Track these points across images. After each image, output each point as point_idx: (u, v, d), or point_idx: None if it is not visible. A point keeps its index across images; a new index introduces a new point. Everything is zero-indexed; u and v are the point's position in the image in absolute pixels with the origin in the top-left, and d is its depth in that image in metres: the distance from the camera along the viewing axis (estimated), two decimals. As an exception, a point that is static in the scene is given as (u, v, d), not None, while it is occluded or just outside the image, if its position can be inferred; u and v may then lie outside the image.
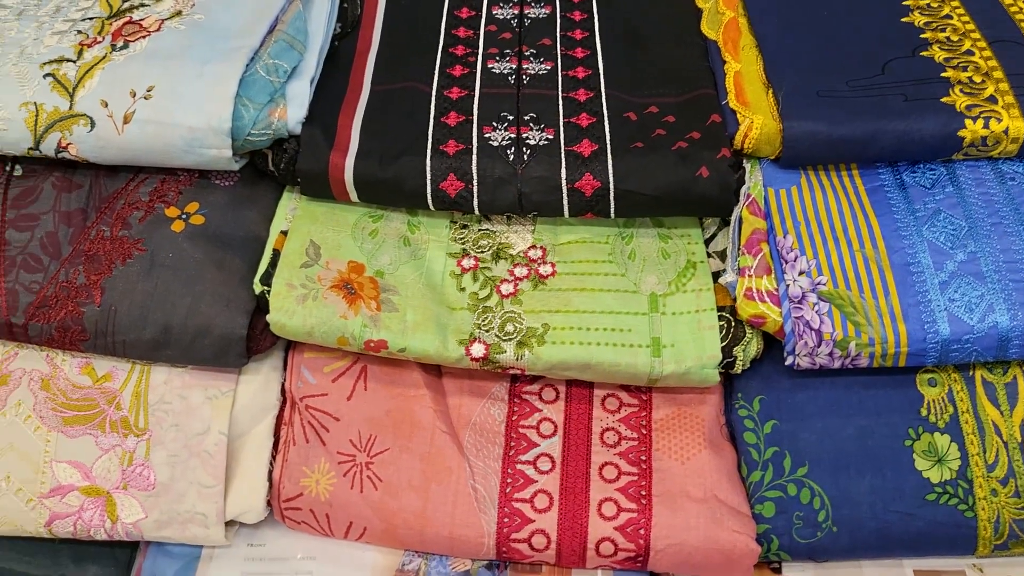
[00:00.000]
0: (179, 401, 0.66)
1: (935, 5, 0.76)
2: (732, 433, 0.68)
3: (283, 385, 0.68)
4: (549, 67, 0.75)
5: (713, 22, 0.79)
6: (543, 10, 0.81)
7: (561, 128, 0.69)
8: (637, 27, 0.79)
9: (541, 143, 0.68)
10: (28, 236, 0.66)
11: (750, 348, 0.65)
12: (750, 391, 0.68)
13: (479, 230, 0.71)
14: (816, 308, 0.63)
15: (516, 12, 0.81)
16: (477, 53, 0.77)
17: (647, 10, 0.81)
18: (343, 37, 0.78)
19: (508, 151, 0.68)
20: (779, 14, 0.76)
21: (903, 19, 0.75)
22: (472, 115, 0.70)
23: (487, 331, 0.65)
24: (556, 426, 0.67)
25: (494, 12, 0.81)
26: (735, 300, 0.65)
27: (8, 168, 0.70)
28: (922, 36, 0.73)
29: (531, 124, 0.70)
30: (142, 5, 0.73)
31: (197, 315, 0.64)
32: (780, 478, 0.65)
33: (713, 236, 0.71)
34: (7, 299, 0.64)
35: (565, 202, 0.67)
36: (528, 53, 0.76)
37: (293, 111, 0.67)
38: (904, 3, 0.76)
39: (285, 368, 0.69)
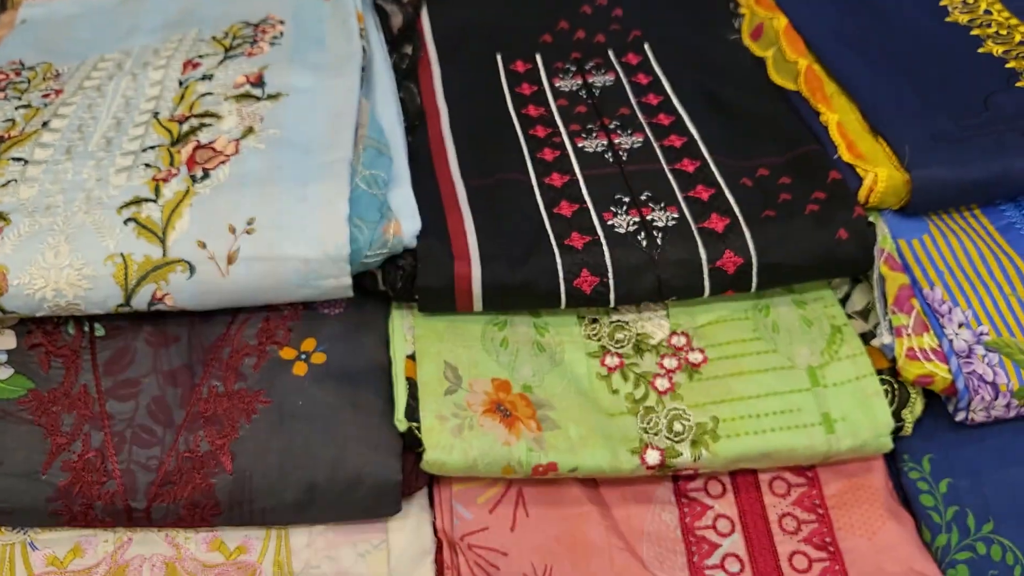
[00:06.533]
0: (328, 564, 0.59)
1: (1004, 33, 0.76)
2: (905, 497, 0.65)
3: (434, 524, 0.62)
4: (641, 139, 0.71)
5: (784, 71, 0.77)
6: (607, 77, 0.77)
7: (683, 204, 0.66)
8: (709, 85, 0.76)
9: (669, 223, 0.64)
10: (133, 406, 0.58)
11: (916, 408, 0.63)
12: (916, 451, 0.65)
13: (611, 323, 0.66)
14: (986, 360, 0.61)
15: (580, 82, 0.77)
16: (560, 132, 0.72)
17: (711, 64, 0.79)
18: (412, 131, 0.73)
19: (638, 236, 0.64)
20: (858, 57, 0.75)
21: (979, 50, 0.75)
22: (586, 202, 0.66)
23: (655, 434, 0.60)
24: (732, 522, 0.63)
25: (557, 84, 0.77)
26: (893, 361, 0.63)
27: (87, 329, 0.61)
28: (1007, 66, 0.72)
29: (651, 204, 0.66)
30: (203, 126, 0.65)
31: (344, 467, 0.57)
32: (967, 538, 0.62)
33: (847, 296, 0.68)
34: (124, 482, 0.56)
35: (706, 283, 0.63)
36: (612, 126, 0.73)
37: (407, 224, 0.62)
38: (973, 33, 0.76)
39: (432, 505, 0.62)
